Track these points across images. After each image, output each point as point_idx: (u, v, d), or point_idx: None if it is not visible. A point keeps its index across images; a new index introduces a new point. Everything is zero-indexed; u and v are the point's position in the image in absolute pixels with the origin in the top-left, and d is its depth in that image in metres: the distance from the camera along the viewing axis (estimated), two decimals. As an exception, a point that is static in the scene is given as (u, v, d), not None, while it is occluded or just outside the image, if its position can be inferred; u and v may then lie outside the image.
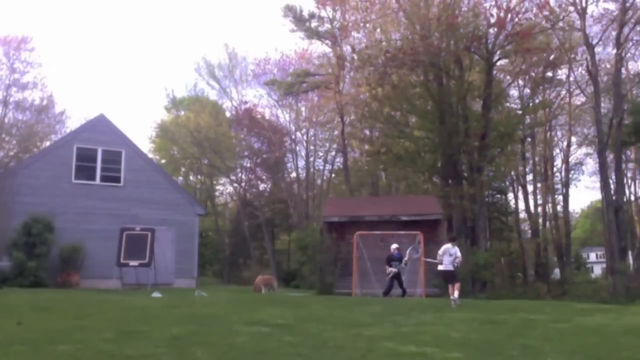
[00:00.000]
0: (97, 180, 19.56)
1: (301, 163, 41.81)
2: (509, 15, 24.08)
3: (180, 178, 44.64)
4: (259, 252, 43.53)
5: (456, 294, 10.62)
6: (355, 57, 28.20)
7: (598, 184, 35.23)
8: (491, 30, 25.19)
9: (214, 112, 42.33)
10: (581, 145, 39.23)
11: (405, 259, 15.23)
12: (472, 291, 19.84)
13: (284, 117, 41.81)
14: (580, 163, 40.27)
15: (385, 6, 26.41)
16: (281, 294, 16.25)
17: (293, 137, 40.88)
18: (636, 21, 25.87)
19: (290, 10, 35.79)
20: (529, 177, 38.99)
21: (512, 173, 36.11)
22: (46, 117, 36.86)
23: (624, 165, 31.90)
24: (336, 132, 37.91)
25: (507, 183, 37.51)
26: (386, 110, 28.59)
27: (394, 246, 15.41)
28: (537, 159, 38.49)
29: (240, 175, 44.05)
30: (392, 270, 14.87)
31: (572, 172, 39.23)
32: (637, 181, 42.08)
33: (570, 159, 38.56)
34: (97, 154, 19.56)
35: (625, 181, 35.33)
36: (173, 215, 20.23)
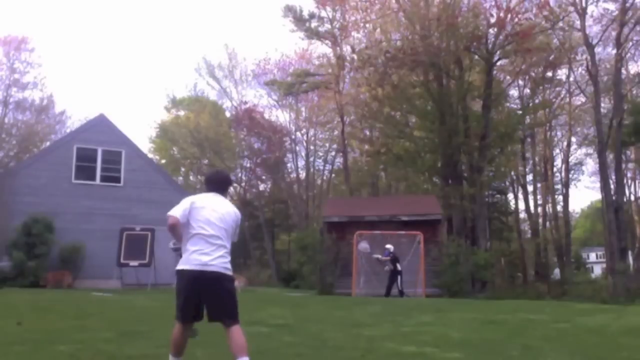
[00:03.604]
0: (97, 180, 19.54)
1: (301, 163, 41.87)
2: (509, 15, 24.08)
3: (180, 178, 44.59)
4: (259, 253, 43.51)
5: None
6: (355, 57, 28.19)
7: (598, 184, 35.35)
8: (491, 30, 25.19)
9: (214, 112, 42.34)
10: (581, 145, 39.24)
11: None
12: (472, 291, 19.81)
13: (284, 117, 41.89)
14: (580, 163, 40.34)
15: (385, 6, 26.41)
16: (281, 294, 16.22)
17: (293, 137, 40.90)
18: (636, 21, 25.89)
19: (290, 11, 35.80)
20: (529, 177, 39.03)
21: (512, 173, 36.09)
22: (46, 117, 36.87)
23: (624, 165, 31.88)
24: (336, 132, 37.91)
25: (507, 183, 37.49)
26: (386, 110, 28.57)
27: (387, 246, 15.76)
28: (537, 159, 38.48)
29: (240, 175, 44.02)
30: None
31: (572, 172, 39.28)
32: (637, 181, 42.11)
33: (570, 159, 38.59)
34: (97, 154, 19.54)
35: (625, 181, 35.31)
36: (173, 215, 20.15)
